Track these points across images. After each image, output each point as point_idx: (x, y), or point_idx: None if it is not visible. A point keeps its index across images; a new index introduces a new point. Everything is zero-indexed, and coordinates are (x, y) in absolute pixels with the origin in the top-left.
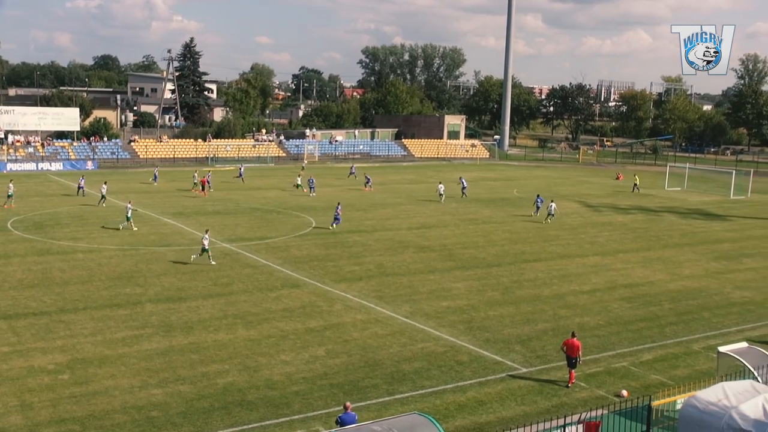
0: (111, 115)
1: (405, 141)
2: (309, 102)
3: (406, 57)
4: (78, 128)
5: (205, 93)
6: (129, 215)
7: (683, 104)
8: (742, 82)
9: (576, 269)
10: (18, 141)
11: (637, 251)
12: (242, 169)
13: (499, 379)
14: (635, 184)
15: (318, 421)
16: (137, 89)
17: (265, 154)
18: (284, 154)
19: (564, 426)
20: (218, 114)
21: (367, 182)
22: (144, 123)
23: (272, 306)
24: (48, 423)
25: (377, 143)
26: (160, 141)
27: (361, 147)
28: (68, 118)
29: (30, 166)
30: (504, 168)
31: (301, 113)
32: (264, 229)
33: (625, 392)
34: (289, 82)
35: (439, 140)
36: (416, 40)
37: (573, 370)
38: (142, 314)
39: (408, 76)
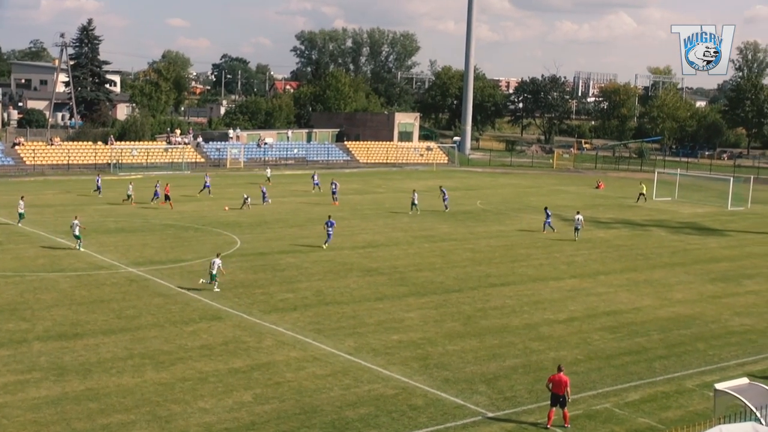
0: None
1: (348, 143)
2: (232, 97)
3: (349, 44)
4: None
5: (107, 86)
6: (77, 233)
7: (673, 100)
8: (740, 74)
9: (550, 294)
10: None
11: (621, 272)
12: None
13: (460, 427)
14: (641, 194)
15: None
16: (23, 81)
17: (180, 160)
18: (203, 160)
19: None
20: (122, 111)
21: (334, 193)
22: (31, 122)
23: (188, 343)
24: None
25: (315, 146)
26: (52, 144)
27: (296, 151)
28: None
29: None
30: (465, 175)
31: (223, 110)
32: (178, 250)
33: None
34: (209, 73)
35: (388, 142)
36: (361, 23)
37: (554, 409)
38: (28, 355)
39: (351, 67)
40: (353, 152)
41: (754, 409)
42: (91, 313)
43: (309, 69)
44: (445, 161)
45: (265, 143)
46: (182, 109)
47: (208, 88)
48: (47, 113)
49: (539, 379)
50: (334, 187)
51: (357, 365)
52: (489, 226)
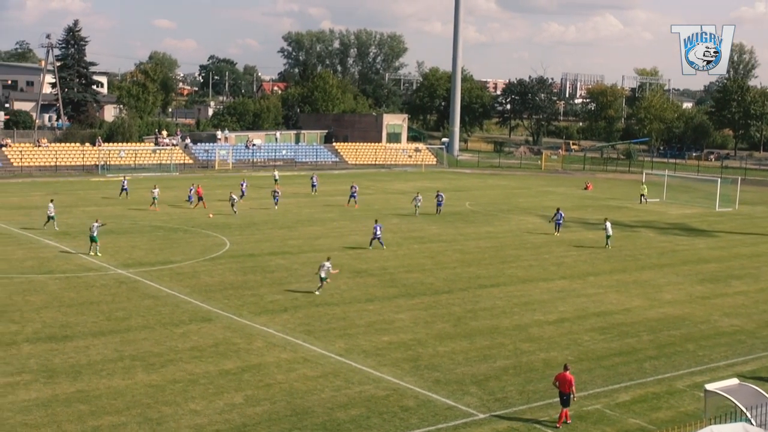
0: None
1: (336, 145)
2: (220, 98)
3: (337, 45)
4: None
5: (94, 87)
6: (95, 235)
7: (660, 101)
8: (727, 76)
9: (540, 295)
10: None
11: (611, 273)
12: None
13: (451, 428)
14: (642, 194)
15: None
16: (9, 82)
17: (168, 161)
18: (191, 161)
19: None
20: (110, 113)
21: (351, 195)
22: (18, 123)
23: (178, 344)
24: None
25: (303, 147)
26: (39, 145)
27: (284, 152)
28: None
29: None
30: (454, 176)
31: (210, 112)
32: (167, 252)
33: None
34: (196, 74)
35: (376, 144)
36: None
37: (566, 409)
38: (17, 357)
39: (339, 68)
40: (342, 153)
41: (745, 410)
42: (80, 315)
43: (296, 70)
44: (434, 162)
45: (254, 144)
46: (170, 110)
47: (196, 89)
48: (34, 114)
49: (530, 380)
50: (353, 190)
51: (348, 366)
52: (478, 227)
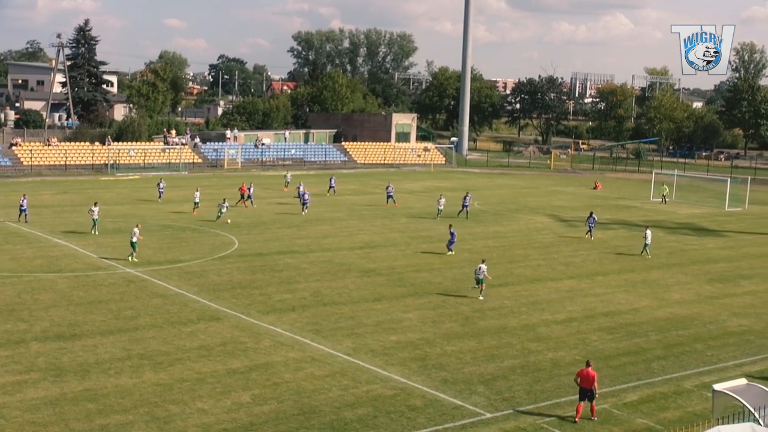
0: None
1: (345, 144)
2: (230, 97)
3: (346, 44)
4: None
5: (104, 86)
6: (134, 240)
7: (670, 101)
8: (737, 75)
9: (548, 295)
10: None
11: (619, 273)
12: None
13: (459, 427)
14: (664, 195)
15: None
16: (20, 82)
17: (177, 160)
18: (200, 160)
19: None
20: (119, 112)
21: (389, 196)
22: (28, 123)
23: (186, 343)
24: None
25: (312, 147)
26: (49, 144)
27: (293, 151)
28: None
29: None
30: (462, 176)
31: (220, 111)
32: (176, 251)
33: None
34: (206, 73)
35: (385, 143)
36: (358, 24)
37: (583, 403)
38: (26, 355)
39: (348, 67)
40: (351, 153)
41: (753, 410)
42: (89, 314)
43: (306, 70)
44: (443, 162)
45: (263, 144)
46: (179, 109)
47: (205, 88)
48: (44, 114)
49: (537, 379)
50: (390, 190)
51: (355, 366)
52: (486, 226)
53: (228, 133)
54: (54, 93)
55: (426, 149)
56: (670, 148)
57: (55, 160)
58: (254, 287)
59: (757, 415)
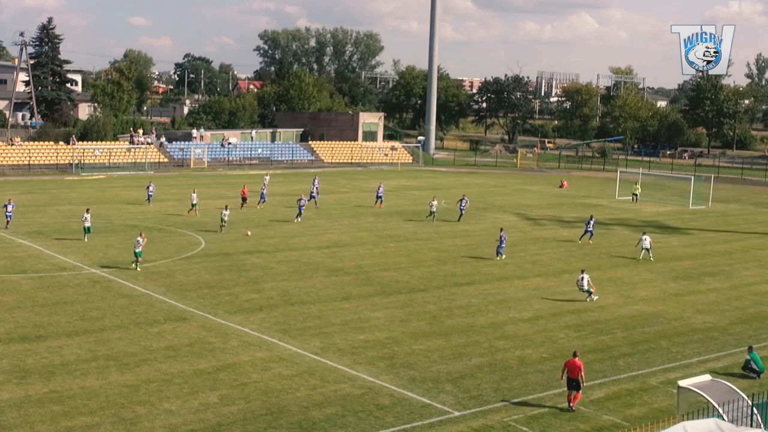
0: None
1: (312, 143)
2: (196, 97)
3: (313, 43)
4: None
5: (68, 85)
6: (138, 250)
7: (634, 100)
8: (700, 74)
9: (515, 293)
10: None
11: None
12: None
13: (427, 426)
14: (635, 194)
15: None
16: None
17: (143, 160)
18: (166, 160)
19: None
20: (84, 111)
21: (378, 197)
22: None
23: (153, 344)
24: None
25: (279, 146)
26: (12, 144)
27: (260, 150)
28: None
29: None
30: (430, 175)
31: (186, 110)
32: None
33: None
34: (171, 72)
35: (352, 142)
36: (324, 23)
37: (577, 392)
38: None
39: (315, 66)
40: (318, 152)
41: (717, 406)
42: (54, 315)
43: (272, 68)
44: (410, 161)
45: (229, 143)
46: (145, 108)
47: (171, 87)
48: (7, 113)
49: (505, 377)
50: (380, 190)
51: (323, 365)
52: (454, 225)
53: (194, 132)
54: (17, 92)
55: (393, 148)
56: (635, 146)
57: (19, 159)
58: (221, 287)
59: (721, 411)
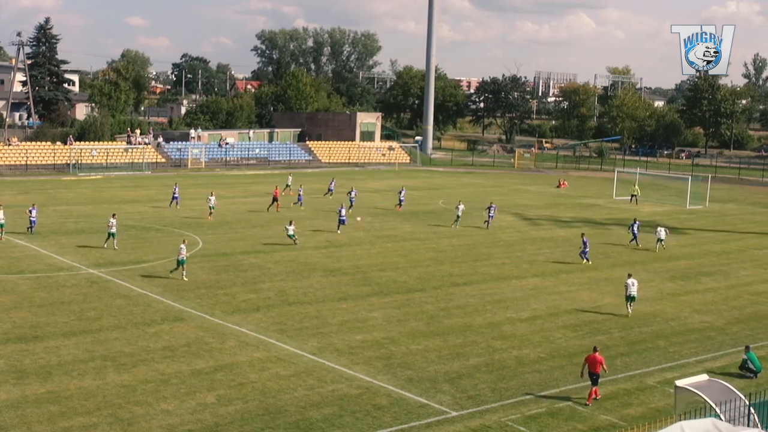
0: None
1: (310, 143)
2: (193, 97)
3: (310, 43)
4: None
5: (65, 85)
6: (183, 258)
7: (632, 100)
8: (698, 74)
9: (512, 293)
10: None
11: (583, 271)
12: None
13: (424, 426)
14: (633, 195)
15: None
16: None
17: (140, 160)
18: (164, 160)
19: None
20: (81, 111)
21: (400, 201)
22: None
23: (150, 344)
24: None
25: (276, 146)
26: (9, 144)
27: (257, 150)
28: None
29: None
30: (427, 175)
31: (183, 110)
32: (139, 251)
33: None
34: (169, 72)
35: (350, 142)
36: (322, 23)
37: (596, 387)
38: None
39: (312, 66)
40: (315, 152)
41: (714, 405)
42: (51, 315)
43: (270, 69)
44: (407, 161)
45: (227, 143)
46: (142, 108)
47: (168, 87)
48: (4, 113)
49: (502, 377)
50: (401, 194)
51: (320, 365)
52: (451, 225)
53: (192, 132)
54: (14, 92)
55: (390, 148)
56: (633, 146)
57: (16, 159)
58: (219, 287)
59: (718, 411)
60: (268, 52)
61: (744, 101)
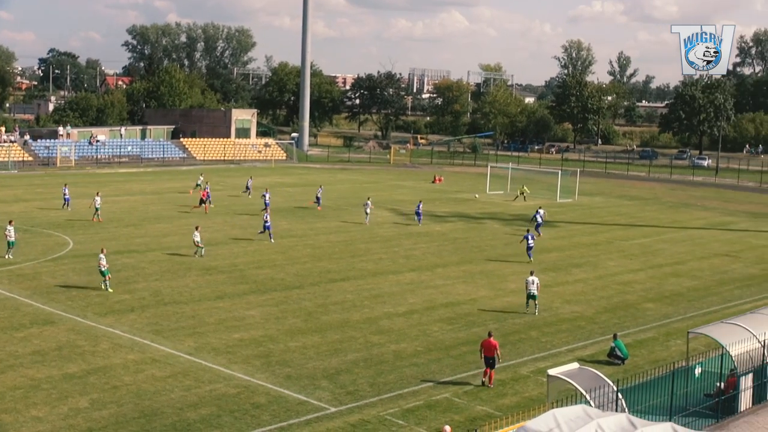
0: None
1: (184, 140)
2: (61, 93)
3: (183, 39)
4: None
5: None
6: (103, 269)
7: (504, 96)
8: (566, 71)
9: (390, 288)
10: None
11: (458, 265)
12: None
13: (303, 423)
14: (521, 193)
15: None
16: None
17: (6, 159)
18: (31, 158)
19: None
20: None
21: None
22: None
23: (19, 349)
24: None
25: (149, 143)
26: None
27: (130, 148)
28: None
29: None
30: (304, 171)
31: (51, 107)
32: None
33: (447, 428)
34: (35, 67)
35: (225, 139)
36: (195, 18)
37: (491, 370)
38: None
39: (186, 62)
40: (190, 149)
41: (584, 393)
42: None
43: (142, 64)
44: (284, 158)
45: (97, 141)
46: (8, 105)
47: (35, 83)
48: None
49: (380, 372)
50: (319, 192)
51: (198, 365)
52: (328, 221)
53: (60, 129)
54: None
55: (266, 145)
56: (505, 142)
57: None
58: (91, 288)
59: (588, 397)
60: (139, 47)
61: (609, 98)
